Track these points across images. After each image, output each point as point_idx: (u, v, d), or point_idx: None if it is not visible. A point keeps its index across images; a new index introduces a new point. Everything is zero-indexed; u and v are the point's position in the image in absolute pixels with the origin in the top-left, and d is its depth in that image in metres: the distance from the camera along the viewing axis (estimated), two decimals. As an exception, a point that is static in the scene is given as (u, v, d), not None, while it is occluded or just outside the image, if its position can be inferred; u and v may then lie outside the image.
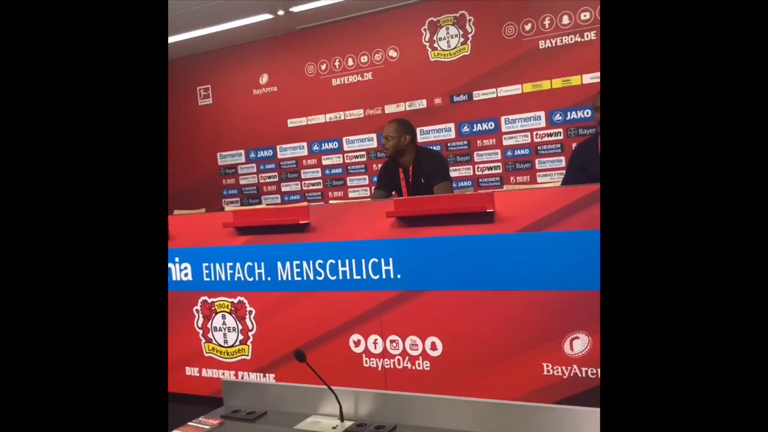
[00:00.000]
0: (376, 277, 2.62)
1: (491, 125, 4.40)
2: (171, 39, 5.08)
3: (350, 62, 4.92)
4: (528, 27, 4.18)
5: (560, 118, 4.16)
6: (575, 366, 2.29)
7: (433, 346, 2.54)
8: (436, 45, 4.54)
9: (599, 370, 2.25)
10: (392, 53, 4.74)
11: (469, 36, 4.40)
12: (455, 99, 4.51)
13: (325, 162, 5.16)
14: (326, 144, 5.14)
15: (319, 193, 5.22)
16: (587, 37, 4.01)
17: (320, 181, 5.20)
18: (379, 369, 2.64)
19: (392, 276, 2.59)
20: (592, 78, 4.03)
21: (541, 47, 4.15)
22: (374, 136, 4.90)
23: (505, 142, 4.36)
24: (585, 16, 4.02)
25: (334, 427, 1.92)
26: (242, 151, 5.53)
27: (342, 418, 1.95)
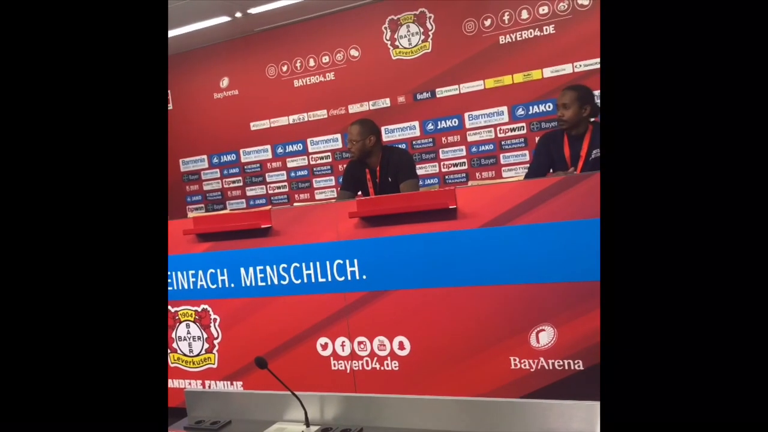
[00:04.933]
0: (342, 278, 2.59)
1: (455, 122, 4.40)
2: (127, 44, 4.97)
3: (312, 63, 4.88)
4: (488, 23, 4.19)
5: (523, 112, 4.18)
6: (542, 358, 2.29)
7: (401, 346, 2.52)
8: (397, 43, 4.52)
9: (566, 361, 2.25)
10: (354, 52, 4.71)
11: (430, 33, 4.39)
12: (419, 97, 4.51)
13: (290, 164, 5.11)
14: (290, 146, 5.08)
15: (285, 197, 5.17)
16: (546, 31, 4.04)
17: (286, 183, 5.14)
18: (348, 371, 2.61)
19: (358, 277, 2.56)
20: (553, 72, 4.05)
21: (501, 42, 4.16)
22: (339, 136, 4.86)
23: (470, 138, 4.37)
24: (543, 10, 4.04)
25: (299, 434, 1.89)
26: (205, 157, 5.44)
27: (308, 424, 1.92)
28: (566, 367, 2.25)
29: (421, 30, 4.43)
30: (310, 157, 5.03)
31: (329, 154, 4.95)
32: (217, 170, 5.40)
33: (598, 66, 3.91)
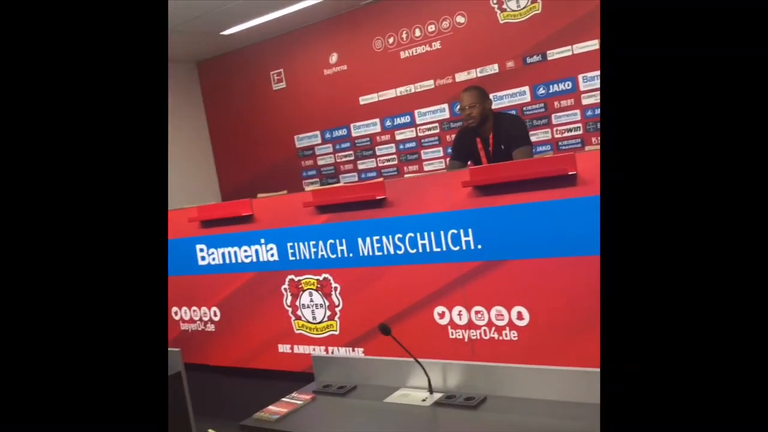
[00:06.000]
0: (456, 248, 2.60)
1: (568, 85, 4.23)
2: (240, 27, 5.19)
3: (417, 33, 4.85)
4: (602, -23, 3.96)
5: (643, 70, 3.93)
6: (671, 330, 2.18)
7: (520, 316, 2.50)
8: (505, 6, 4.39)
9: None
10: (460, 19, 4.62)
11: (540, -7, 4.22)
12: (528, 60, 4.36)
13: (398, 137, 5.15)
14: (398, 119, 5.11)
15: (395, 169, 5.22)
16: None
17: (395, 156, 5.20)
18: (466, 340, 2.63)
19: (473, 247, 2.56)
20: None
21: (617, -3, 3.92)
22: (446, 106, 4.83)
23: (584, 102, 4.17)
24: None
25: (423, 399, 1.94)
26: (318, 132, 5.61)
27: (431, 390, 1.97)
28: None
29: (531, -10, 4.26)
30: (418, 128, 5.04)
31: (436, 124, 4.93)
32: (330, 145, 5.55)
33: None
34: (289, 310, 3.14)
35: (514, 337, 2.51)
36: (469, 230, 2.56)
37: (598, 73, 4.08)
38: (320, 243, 2.96)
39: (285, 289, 3.13)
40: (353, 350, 2.95)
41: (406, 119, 5.07)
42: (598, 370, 1.80)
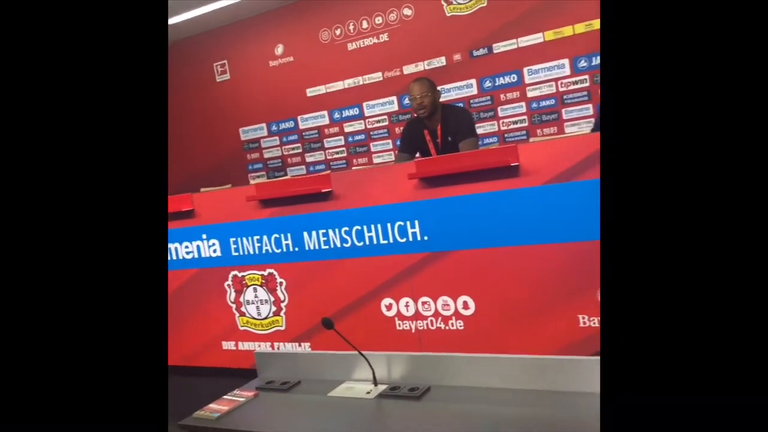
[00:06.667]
0: (403, 240, 2.59)
1: (514, 78, 4.27)
2: (182, 17, 5.03)
3: (365, 24, 4.81)
4: (545, -29, 4.01)
5: (585, 64, 4.00)
6: (612, 317, 2.23)
7: (466, 306, 2.51)
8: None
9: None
10: (407, 11, 4.61)
11: (485, -14, 4.25)
12: (475, 54, 4.38)
13: (347, 129, 5.10)
14: (347, 111, 5.07)
15: (344, 162, 5.18)
16: (609, -24, 3.82)
17: (344, 149, 5.15)
18: (413, 331, 2.62)
19: (419, 238, 2.55)
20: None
21: (561, -9, 3.98)
22: (395, 98, 4.81)
23: (530, 94, 4.22)
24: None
25: (368, 392, 1.92)
26: (264, 125, 5.50)
27: (375, 382, 1.95)
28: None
29: (476, -16, 4.28)
30: (367, 121, 5.01)
31: (385, 117, 4.91)
32: (277, 138, 5.46)
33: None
34: (233, 306, 3.07)
35: (460, 326, 2.52)
36: (416, 222, 2.55)
37: (542, 65, 4.14)
38: (264, 238, 2.90)
39: (228, 285, 3.06)
40: (300, 345, 2.90)
41: (355, 111, 5.03)
42: (543, 357, 1.82)
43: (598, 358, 1.69)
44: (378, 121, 4.95)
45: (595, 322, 2.26)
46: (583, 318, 2.29)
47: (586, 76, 4.02)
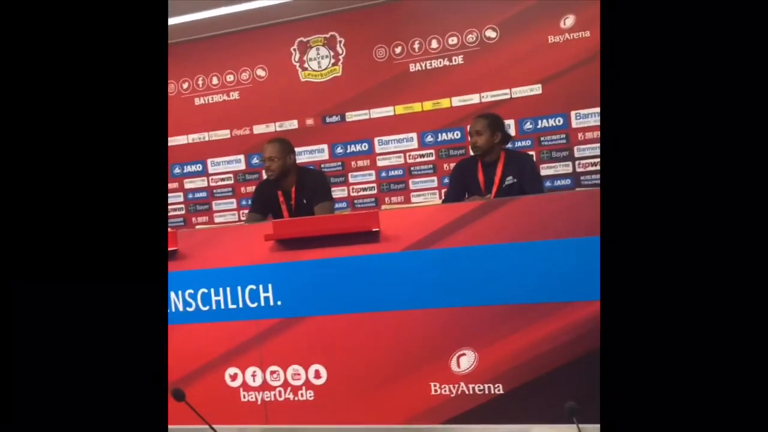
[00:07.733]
0: (254, 304, 2.45)
1: (365, 146, 4.39)
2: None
3: (215, 81, 4.70)
4: (398, 50, 4.25)
5: (432, 139, 4.24)
6: (462, 383, 2.27)
7: (317, 374, 2.41)
8: (306, 65, 4.46)
9: (486, 386, 2.25)
10: (260, 72, 4.59)
11: (341, 57, 4.38)
12: (328, 120, 4.46)
13: (187, 185, 4.85)
14: (189, 166, 4.84)
15: (182, 219, 4.89)
16: (455, 61, 4.15)
17: (183, 206, 4.87)
18: (259, 402, 2.46)
19: (272, 303, 2.44)
20: (461, 101, 4.16)
21: (411, 70, 4.22)
22: (242, 157, 4.69)
23: (379, 163, 4.36)
24: (452, 41, 4.15)
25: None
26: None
27: (224, 463, 1.77)
28: (486, 392, 2.25)
29: (332, 53, 4.40)
30: (210, 178, 4.81)
31: (231, 175, 4.76)
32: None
33: (506, 96, 4.07)
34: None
35: (311, 396, 2.41)
36: (269, 285, 2.44)
37: (392, 137, 4.31)
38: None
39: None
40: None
41: (198, 167, 4.81)
42: (394, 426, 1.78)
43: (450, 425, 1.69)
44: (222, 179, 4.77)
45: (446, 389, 2.29)
46: (435, 386, 2.30)
47: (432, 150, 4.26)
